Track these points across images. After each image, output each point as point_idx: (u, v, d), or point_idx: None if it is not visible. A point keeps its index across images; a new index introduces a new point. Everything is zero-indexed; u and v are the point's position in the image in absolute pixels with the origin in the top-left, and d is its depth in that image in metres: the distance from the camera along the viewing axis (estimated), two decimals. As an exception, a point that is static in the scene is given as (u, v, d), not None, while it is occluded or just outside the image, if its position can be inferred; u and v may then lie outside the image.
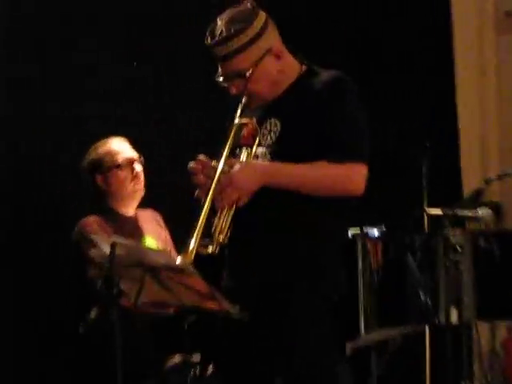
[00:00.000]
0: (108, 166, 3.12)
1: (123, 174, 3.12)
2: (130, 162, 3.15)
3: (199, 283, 2.23)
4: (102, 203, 3.18)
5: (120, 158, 3.14)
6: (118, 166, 3.12)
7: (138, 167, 3.15)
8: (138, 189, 3.17)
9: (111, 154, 3.14)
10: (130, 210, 3.18)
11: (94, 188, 3.17)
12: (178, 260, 2.26)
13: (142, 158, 3.19)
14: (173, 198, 3.32)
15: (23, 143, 3.73)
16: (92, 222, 3.08)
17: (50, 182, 3.70)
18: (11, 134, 3.73)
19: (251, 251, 2.41)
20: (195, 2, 3.83)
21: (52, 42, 3.81)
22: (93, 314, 2.96)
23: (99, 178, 3.14)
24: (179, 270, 2.24)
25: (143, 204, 3.28)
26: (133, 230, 3.12)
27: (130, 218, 3.17)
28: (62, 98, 3.75)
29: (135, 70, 3.84)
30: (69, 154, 3.62)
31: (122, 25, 3.88)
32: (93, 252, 2.39)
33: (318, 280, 2.41)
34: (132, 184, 3.14)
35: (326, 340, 2.42)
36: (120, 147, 3.16)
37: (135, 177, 3.14)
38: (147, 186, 3.24)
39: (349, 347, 2.98)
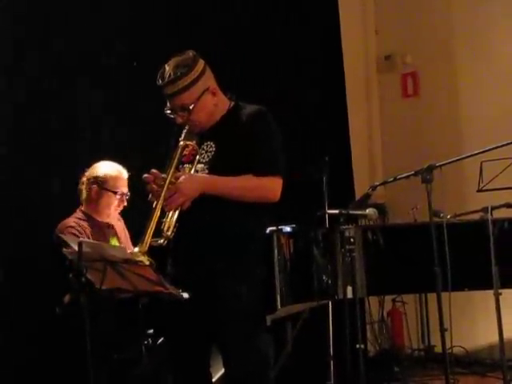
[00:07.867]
0: (108, 188, 3.20)
1: (114, 200, 3.23)
2: (124, 195, 3.26)
3: (149, 272, 2.26)
4: (84, 206, 3.25)
5: (120, 189, 3.23)
6: (115, 193, 3.22)
7: (125, 202, 3.29)
8: (115, 212, 3.31)
9: (115, 180, 3.21)
10: (103, 218, 3.29)
11: (86, 193, 3.23)
12: (136, 250, 2.28)
13: (129, 195, 3.29)
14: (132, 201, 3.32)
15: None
16: (70, 225, 3.13)
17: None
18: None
19: (190, 245, 2.42)
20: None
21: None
22: (66, 298, 2.98)
23: (94, 190, 3.21)
24: (133, 262, 2.26)
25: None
26: (104, 232, 3.24)
27: (102, 222, 3.28)
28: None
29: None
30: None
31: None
32: (65, 250, 2.38)
33: (245, 266, 2.43)
34: (114, 209, 3.27)
35: (251, 313, 2.44)
36: (124, 180, 3.25)
37: (118, 206, 3.27)
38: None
39: (269, 319, 3.01)
